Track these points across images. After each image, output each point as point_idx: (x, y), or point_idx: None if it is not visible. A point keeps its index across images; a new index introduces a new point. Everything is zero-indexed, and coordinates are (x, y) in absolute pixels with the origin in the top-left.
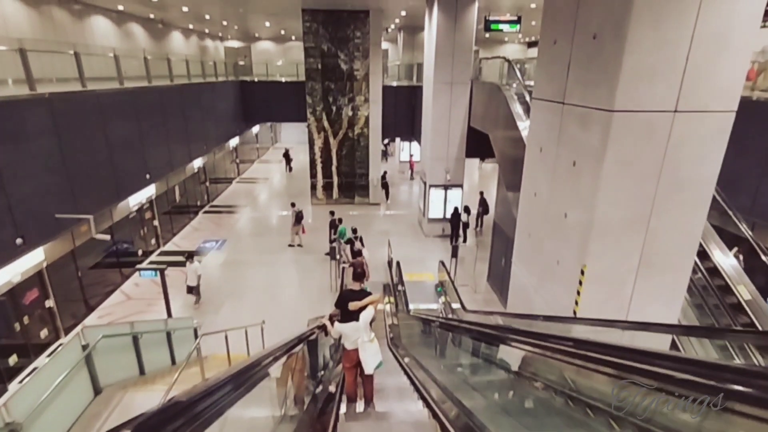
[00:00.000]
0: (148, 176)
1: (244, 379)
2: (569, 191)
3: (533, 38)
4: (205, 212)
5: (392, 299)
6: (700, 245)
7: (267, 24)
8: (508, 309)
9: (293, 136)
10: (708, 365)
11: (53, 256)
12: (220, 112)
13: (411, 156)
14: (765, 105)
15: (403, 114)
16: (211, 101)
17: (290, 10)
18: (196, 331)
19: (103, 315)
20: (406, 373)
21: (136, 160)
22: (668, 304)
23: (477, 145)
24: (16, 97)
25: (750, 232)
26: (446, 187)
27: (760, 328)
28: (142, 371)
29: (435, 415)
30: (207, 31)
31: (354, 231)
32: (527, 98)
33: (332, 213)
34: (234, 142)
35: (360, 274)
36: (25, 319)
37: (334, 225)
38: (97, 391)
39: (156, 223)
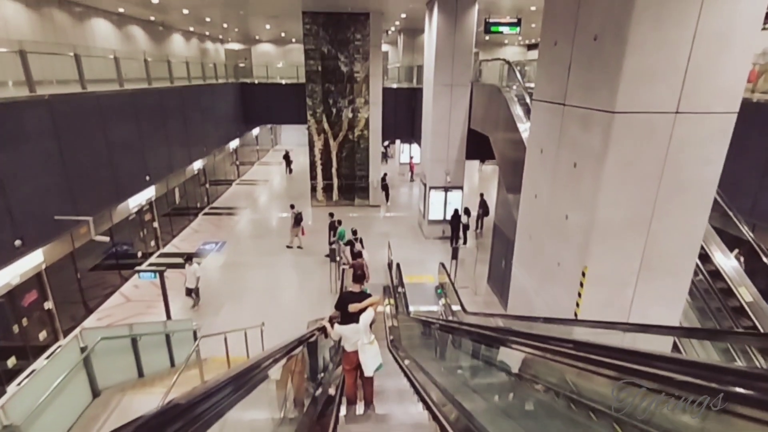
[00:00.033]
0: (147, 178)
1: (244, 381)
2: (570, 193)
3: (533, 41)
4: (205, 214)
5: (392, 301)
6: (702, 247)
7: (267, 26)
8: (509, 311)
9: (293, 138)
10: (708, 367)
11: (52, 258)
12: (220, 114)
13: (411, 158)
14: (765, 107)
15: (403, 116)
16: (212, 103)
17: (291, 12)
18: (195, 333)
19: (102, 317)
20: (406, 375)
21: (136, 162)
22: (670, 307)
23: (477, 146)
24: (16, 98)
25: (751, 234)
26: (446, 189)
27: (761, 331)
28: (140, 373)
29: (435, 418)
30: (207, 33)
31: (354, 233)
32: (527, 100)
33: (332, 215)
34: (234, 144)
35: (360, 276)
36: (24, 321)
37: (333, 227)
38: (95, 393)
39: (156, 224)
